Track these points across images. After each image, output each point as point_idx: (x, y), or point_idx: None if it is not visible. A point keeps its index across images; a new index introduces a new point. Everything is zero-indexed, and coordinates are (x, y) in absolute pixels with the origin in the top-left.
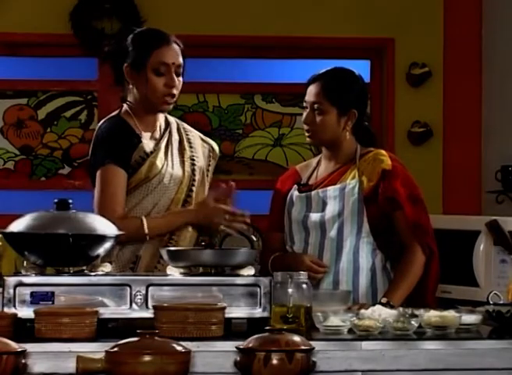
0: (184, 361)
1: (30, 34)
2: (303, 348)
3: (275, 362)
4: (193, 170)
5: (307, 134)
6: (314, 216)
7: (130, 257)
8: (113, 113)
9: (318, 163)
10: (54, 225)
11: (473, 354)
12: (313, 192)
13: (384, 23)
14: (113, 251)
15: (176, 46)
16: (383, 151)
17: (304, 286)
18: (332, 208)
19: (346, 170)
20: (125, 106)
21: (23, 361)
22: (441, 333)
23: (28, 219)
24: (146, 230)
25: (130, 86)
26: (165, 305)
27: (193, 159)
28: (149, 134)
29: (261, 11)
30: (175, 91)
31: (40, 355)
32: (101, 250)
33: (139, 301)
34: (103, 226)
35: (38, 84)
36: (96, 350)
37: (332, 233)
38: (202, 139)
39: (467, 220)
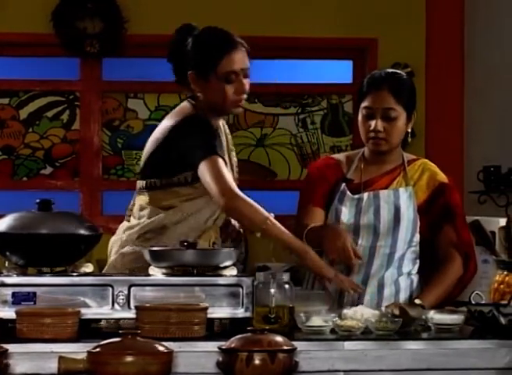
0: (166, 361)
1: (12, 34)
2: (285, 348)
3: (257, 362)
4: (237, 179)
5: (374, 142)
6: (367, 219)
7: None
8: (184, 109)
9: (360, 161)
10: (36, 225)
11: (455, 354)
12: (365, 195)
13: (367, 23)
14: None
15: (242, 48)
16: (429, 162)
17: (287, 286)
18: (386, 214)
19: (395, 175)
20: (192, 105)
21: (5, 361)
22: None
23: (10, 220)
24: (267, 225)
25: (198, 94)
26: (148, 305)
27: (236, 166)
28: None
29: (243, 11)
30: (245, 96)
31: (22, 356)
32: (83, 250)
33: (121, 301)
34: (85, 226)
35: (20, 84)
36: (78, 350)
37: (387, 239)
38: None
39: None
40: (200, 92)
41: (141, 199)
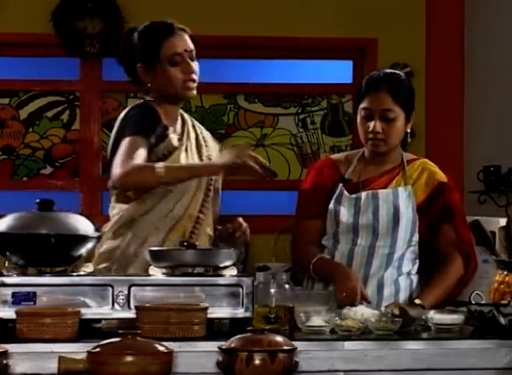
0: (166, 361)
1: (12, 34)
2: (285, 348)
3: (257, 362)
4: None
5: (372, 143)
6: (366, 219)
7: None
8: (139, 103)
9: (359, 161)
10: (36, 225)
11: (455, 354)
12: (363, 194)
13: (367, 23)
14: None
15: (183, 33)
16: (429, 161)
17: (287, 286)
18: (385, 214)
19: (394, 174)
20: (148, 98)
21: (5, 361)
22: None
23: (10, 220)
24: (161, 172)
25: (149, 85)
26: (148, 305)
27: (210, 159)
28: (172, 128)
29: (243, 11)
30: (194, 76)
31: (22, 356)
32: (83, 250)
33: (121, 301)
34: (85, 226)
35: (20, 84)
36: (78, 350)
37: (386, 239)
38: (213, 138)
39: None
40: (151, 83)
41: (112, 199)
